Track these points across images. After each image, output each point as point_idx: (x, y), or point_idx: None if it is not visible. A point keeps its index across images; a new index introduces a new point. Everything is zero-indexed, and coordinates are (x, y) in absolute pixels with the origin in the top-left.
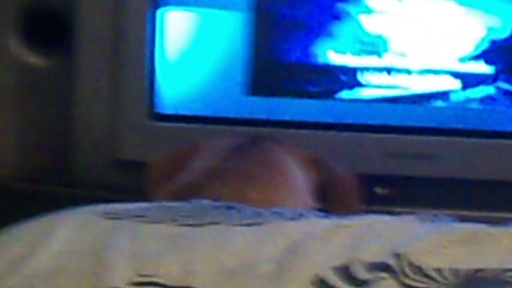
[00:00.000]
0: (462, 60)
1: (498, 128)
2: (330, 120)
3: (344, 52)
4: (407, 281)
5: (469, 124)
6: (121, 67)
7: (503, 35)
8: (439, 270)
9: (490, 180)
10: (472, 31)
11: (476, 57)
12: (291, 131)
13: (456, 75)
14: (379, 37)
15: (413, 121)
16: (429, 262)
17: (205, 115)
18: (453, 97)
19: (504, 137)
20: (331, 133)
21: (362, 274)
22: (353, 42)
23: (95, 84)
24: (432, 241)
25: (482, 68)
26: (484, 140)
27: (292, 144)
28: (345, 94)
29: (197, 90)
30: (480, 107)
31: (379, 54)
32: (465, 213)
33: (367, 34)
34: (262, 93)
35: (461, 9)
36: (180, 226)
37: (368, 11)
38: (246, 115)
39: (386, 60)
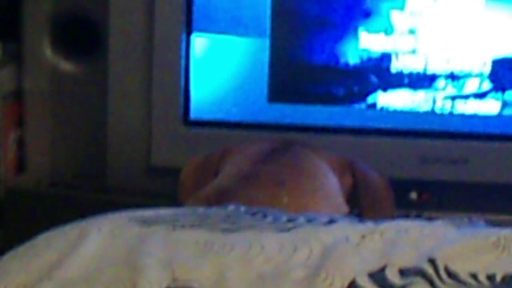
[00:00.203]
0: (497, 62)
1: None
2: (364, 125)
3: (372, 53)
4: (442, 286)
5: (501, 128)
6: (155, 73)
7: None
8: (474, 275)
9: None
10: (508, 30)
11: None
12: (323, 136)
13: (490, 77)
14: (411, 34)
15: (446, 126)
16: (464, 267)
17: (238, 121)
18: (488, 101)
19: None
20: (363, 138)
21: (397, 279)
22: (383, 41)
23: (128, 90)
24: (467, 246)
25: None
26: None
27: (324, 148)
28: (374, 97)
29: (230, 96)
30: None
31: (412, 53)
32: (497, 217)
33: (397, 32)
34: (290, 99)
35: (496, 9)
36: (214, 231)
37: (401, 7)
38: (276, 120)
39: (418, 60)
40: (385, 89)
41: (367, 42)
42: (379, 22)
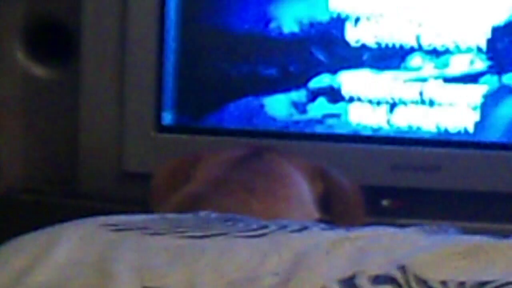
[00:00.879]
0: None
1: (501, 140)
2: (336, 131)
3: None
4: None
5: (471, 136)
6: (127, 78)
7: None
8: (444, 283)
9: (494, 192)
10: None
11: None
12: (293, 142)
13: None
14: None
15: (418, 133)
16: (434, 275)
17: (210, 127)
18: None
19: (505, 149)
20: (335, 144)
21: (368, 286)
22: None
23: (100, 95)
24: (437, 254)
25: None
26: (487, 152)
27: (296, 155)
28: (320, 81)
29: (202, 102)
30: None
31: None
32: (469, 224)
33: None
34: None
35: None
36: (185, 238)
37: None
38: (250, 126)
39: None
40: (335, 70)
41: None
42: None
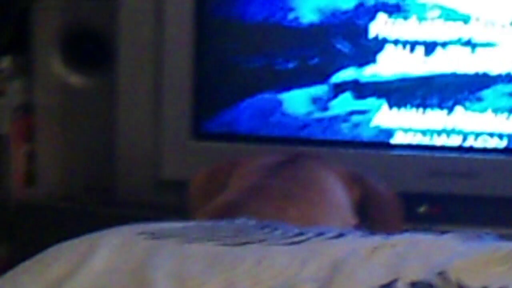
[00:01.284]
0: None
1: None
2: (372, 139)
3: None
4: None
5: (508, 142)
6: (164, 86)
7: None
8: None
9: None
10: None
11: None
12: (330, 149)
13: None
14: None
15: (454, 139)
16: (474, 281)
17: (245, 134)
18: None
19: None
20: (372, 151)
21: None
22: None
23: (136, 103)
24: (476, 260)
25: None
26: None
27: (332, 161)
28: (342, 77)
29: (239, 110)
30: None
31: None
32: (507, 231)
33: None
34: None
35: None
36: (222, 245)
37: None
38: (284, 133)
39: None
40: (360, 64)
41: None
42: None
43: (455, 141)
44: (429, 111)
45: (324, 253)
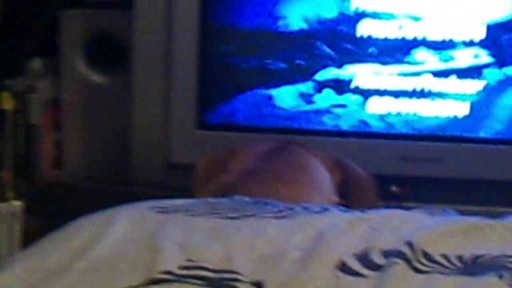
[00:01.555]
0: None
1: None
2: (351, 129)
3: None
4: (417, 265)
5: (471, 130)
6: (173, 82)
7: None
8: (445, 256)
9: (489, 180)
10: None
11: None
12: (315, 138)
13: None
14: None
15: (423, 128)
16: (437, 249)
17: (243, 125)
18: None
19: (504, 143)
20: (351, 139)
21: (379, 259)
22: None
23: (149, 98)
24: (439, 232)
25: None
26: (483, 145)
27: (316, 149)
28: (324, 75)
29: (237, 103)
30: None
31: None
32: (467, 208)
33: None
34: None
35: None
36: (222, 218)
37: None
38: (275, 124)
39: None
40: (341, 64)
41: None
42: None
43: (423, 128)
44: (401, 99)
45: (308, 226)
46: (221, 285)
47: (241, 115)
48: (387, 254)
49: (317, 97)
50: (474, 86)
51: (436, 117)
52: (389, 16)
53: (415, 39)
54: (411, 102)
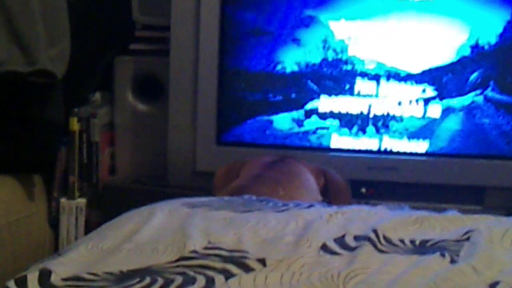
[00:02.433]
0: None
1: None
2: (331, 146)
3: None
4: (380, 247)
5: (420, 147)
6: (198, 111)
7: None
8: (402, 240)
9: (434, 183)
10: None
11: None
12: (304, 152)
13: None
14: (350, 41)
15: (385, 146)
16: (395, 235)
17: (250, 142)
18: (430, 109)
19: (445, 156)
20: (331, 153)
21: (352, 242)
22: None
23: (180, 122)
24: (397, 222)
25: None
26: (429, 158)
27: (305, 161)
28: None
29: (245, 126)
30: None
31: (354, 59)
32: (417, 204)
33: (338, 42)
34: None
35: (439, 18)
36: (234, 212)
37: (337, 18)
38: (274, 142)
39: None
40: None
41: (306, 50)
42: (318, 31)
43: (384, 146)
44: (370, 133)
45: (299, 217)
46: (233, 261)
47: (249, 136)
48: (357, 238)
49: (306, 122)
50: (421, 113)
51: (394, 136)
52: (360, 62)
53: (378, 77)
54: (375, 126)
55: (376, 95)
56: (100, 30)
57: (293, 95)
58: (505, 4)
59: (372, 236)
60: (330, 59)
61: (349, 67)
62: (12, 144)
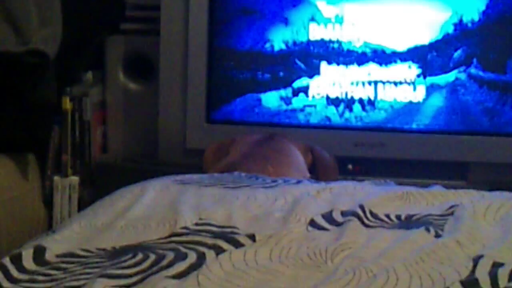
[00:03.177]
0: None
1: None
2: (318, 123)
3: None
4: (367, 222)
5: (406, 124)
6: (188, 90)
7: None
8: (387, 215)
9: (419, 159)
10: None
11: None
12: (292, 130)
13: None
14: (338, 23)
15: (370, 124)
16: (381, 210)
17: (239, 120)
18: (415, 86)
19: (429, 133)
20: (318, 131)
21: (339, 218)
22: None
23: (171, 100)
24: (383, 197)
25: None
26: (415, 134)
27: (294, 138)
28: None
29: (235, 104)
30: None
31: (340, 42)
32: (402, 180)
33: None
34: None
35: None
36: (224, 188)
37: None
38: (263, 120)
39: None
40: (311, 75)
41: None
42: (305, 10)
43: (371, 122)
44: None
45: (288, 194)
46: (224, 237)
47: (238, 114)
48: (345, 214)
49: (294, 100)
50: (407, 90)
51: (380, 114)
52: (347, 41)
53: (364, 55)
54: (361, 103)
55: (362, 73)
56: (91, 10)
57: (281, 74)
58: None
59: (359, 211)
60: (317, 38)
61: (335, 45)
62: (5, 124)
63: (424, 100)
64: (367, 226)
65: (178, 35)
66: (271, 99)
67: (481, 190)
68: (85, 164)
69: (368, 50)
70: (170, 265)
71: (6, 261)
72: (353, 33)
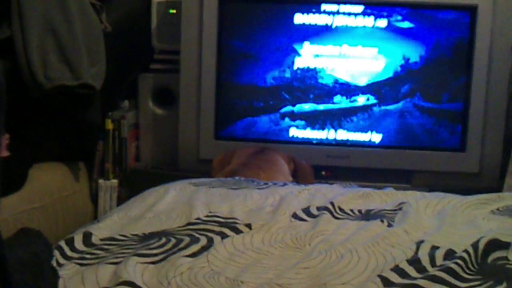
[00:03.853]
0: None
1: (383, 142)
2: (300, 140)
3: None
4: (336, 215)
5: (366, 141)
6: (201, 114)
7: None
8: (352, 210)
9: (375, 168)
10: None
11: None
12: (279, 145)
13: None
14: (316, 58)
15: (338, 140)
16: (347, 206)
17: (240, 137)
18: (372, 112)
19: (383, 147)
20: (300, 146)
21: (315, 211)
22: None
23: (188, 122)
24: (348, 196)
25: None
26: (373, 148)
27: (280, 151)
28: (285, 110)
29: (236, 126)
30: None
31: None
32: (363, 183)
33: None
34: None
35: (379, 44)
36: (227, 189)
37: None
38: (257, 137)
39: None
40: (294, 104)
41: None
42: (289, 54)
43: (340, 140)
44: (327, 125)
45: (276, 193)
46: (227, 226)
47: (239, 132)
48: (319, 208)
49: (281, 122)
50: (366, 115)
51: (346, 133)
52: (320, 77)
53: (334, 88)
54: (332, 125)
55: (332, 102)
56: (128, 54)
57: (271, 102)
58: (425, 37)
59: (330, 207)
60: (298, 75)
61: (312, 81)
62: (63, 139)
63: (380, 122)
64: (336, 218)
65: (193, 73)
66: (263, 122)
67: (422, 191)
68: (123, 170)
69: (337, 85)
70: (186, 247)
71: (62, 243)
72: (326, 71)
